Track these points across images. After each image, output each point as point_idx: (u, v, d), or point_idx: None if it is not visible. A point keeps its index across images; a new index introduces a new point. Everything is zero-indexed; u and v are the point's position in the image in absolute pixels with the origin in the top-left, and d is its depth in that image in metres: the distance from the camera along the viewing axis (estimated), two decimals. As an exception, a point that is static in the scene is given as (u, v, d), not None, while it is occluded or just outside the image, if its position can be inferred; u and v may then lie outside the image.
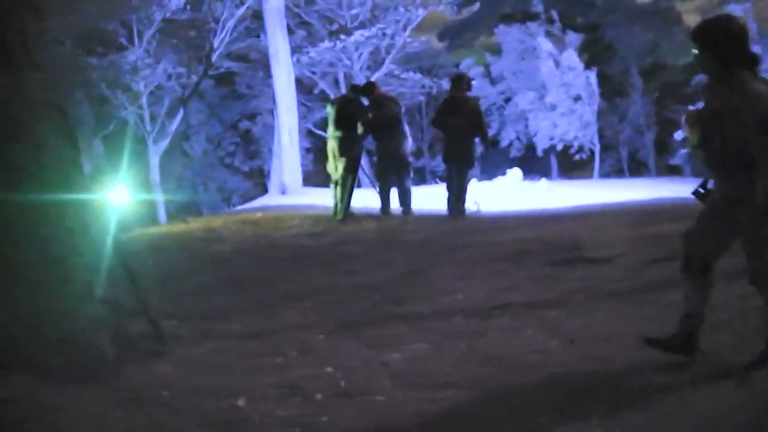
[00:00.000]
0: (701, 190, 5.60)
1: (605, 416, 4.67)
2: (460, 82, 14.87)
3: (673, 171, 38.35)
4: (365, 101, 14.79)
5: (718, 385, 4.96)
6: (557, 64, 36.96)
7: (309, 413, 5.04)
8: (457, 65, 41.10)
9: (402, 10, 32.57)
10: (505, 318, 6.94)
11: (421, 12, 33.42)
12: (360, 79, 24.34)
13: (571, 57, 37.75)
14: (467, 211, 14.61)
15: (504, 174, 25.66)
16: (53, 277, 5.46)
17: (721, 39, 5.22)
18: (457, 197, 14.37)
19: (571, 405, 4.86)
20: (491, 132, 36.48)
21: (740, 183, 5.08)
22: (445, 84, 25.36)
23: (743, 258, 5.27)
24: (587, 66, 38.53)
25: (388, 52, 33.17)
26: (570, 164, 40.25)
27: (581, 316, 6.74)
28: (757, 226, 5.08)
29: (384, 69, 32.81)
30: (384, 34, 32.24)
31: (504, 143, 39.68)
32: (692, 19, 42.31)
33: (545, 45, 37.50)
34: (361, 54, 32.03)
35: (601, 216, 13.05)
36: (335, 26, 33.33)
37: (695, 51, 5.35)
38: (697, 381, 5.07)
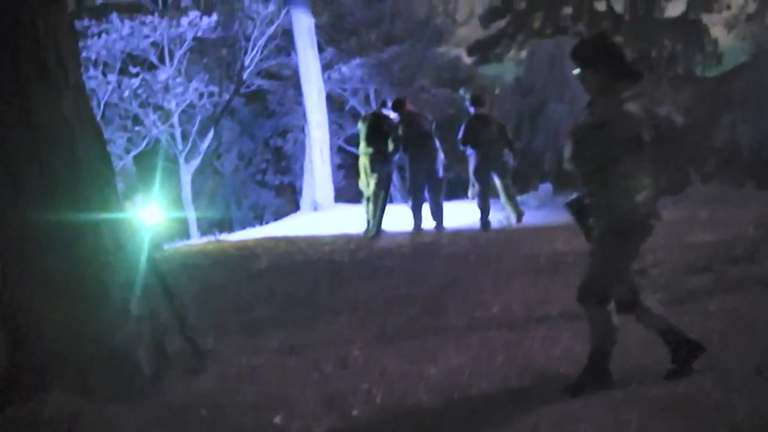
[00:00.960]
0: (574, 204, 5.59)
1: (643, 427, 4.65)
2: (482, 99, 14.98)
3: (705, 179, 38.10)
4: (396, 117, 14.80)
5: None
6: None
7: (346, 429, 5.04)
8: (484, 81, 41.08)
9: (432, 25, 32.65)
10: (541, 330, 6.91)
11: (451, 27, 33.48)
12: (391, 96, 24.40)
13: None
14: (501, 224, 14.65)
15: (536, 189, 25.55)
16: (90, 295, 5.49)
17: (600, 57, 5.33)
18: (509, 199, 14.60)
19: (609, 415, 4.84)
20: (523, 144, 36.45)
21: (606, 198, 5.22)
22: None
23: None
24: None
25: (418, 68, 33.21)
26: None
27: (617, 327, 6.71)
28: (597, 243, 5.26)
29: (415, 84, 32.84)
30: (415, 50, 32.32)
31: (536, 156, 39.56)
32: (719, 32, 42.12)
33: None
34: (392, 70, 32.08)
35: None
36: (366, 42, 33.43)
37: (577, 70, 5.43)
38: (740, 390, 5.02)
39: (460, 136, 14.61)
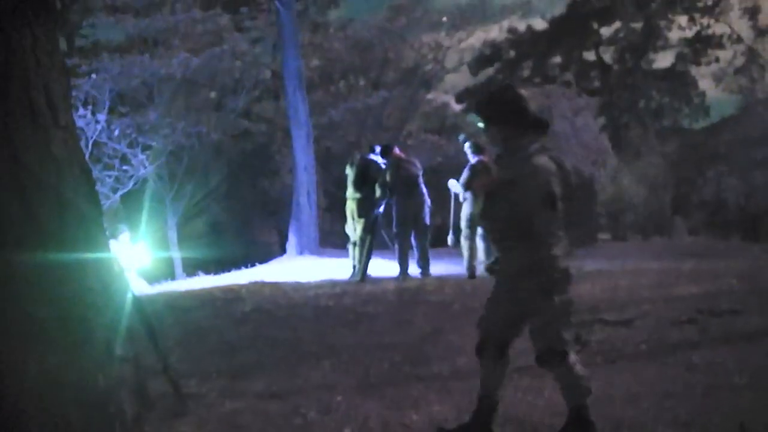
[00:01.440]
0: (494, 266, 5.59)
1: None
2: (484, 147, 15.07)
3: (692, 232, 38.30)
4: (384, 163, 14.85)
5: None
6: (573, 125, 37.06)
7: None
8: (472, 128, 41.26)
9: (421, 72, 32.83)
10: (524, 379, 6.90)
11: (440, 74, 33.67)
12: (379, 140, 24.47)
13: (587, 119, 37.87)
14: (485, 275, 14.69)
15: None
16: (74, 336, 5.46)
17: (504, 111, 5.28)
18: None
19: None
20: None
21: (521, 255, 5.13)
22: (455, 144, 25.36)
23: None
24: (603, 128, 38.65)
25: (407, 113, 33.36)
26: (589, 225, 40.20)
27: (602, 378, 6.70)
28: (537, 301, 5.13)
29: (403, 130, 32.99)
30: (403, 96, 32.48)
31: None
32: (707, 84, 42.50)
33: (561, 106, 37.62)
34: (381, 115, 32.21)
35: (618, 277, 13.01)
36: (355, 87, 33.59)
37: (481, 125, 5.41)
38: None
39: (464, 181, 14.63)
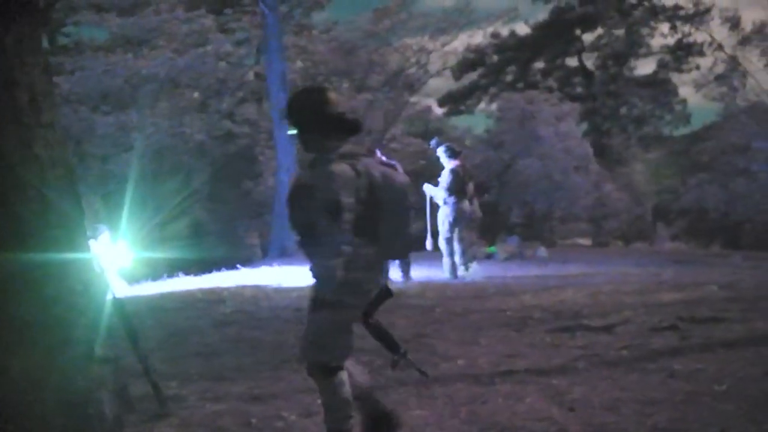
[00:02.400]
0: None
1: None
2: (458, 151, 15.26)
3: (674, 239, 38.45)
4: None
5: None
6: (556, 131, 37.17)
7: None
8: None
9: (405, 75, 32.86)
10: (506, 385, 6.90)
11: (424, 78, 33.70)
12: (362, 144, 24.35)
13: (570, 125, 38.01)
14: (466, 278, 14.72)
15: (504, 242, 25.65)
16: (55, 337, 5.43)
17: (309, 116, 5.10)
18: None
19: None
20: (491, 197, 36.68)
21: (311, 263, 4.99)
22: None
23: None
24: (585, 134, 38.79)
25: (390, 117, 33.38)
26: (570, 231, 40.30)
27: (583, 384, 6.71)
28: (309, 310, 5.00)
29: (387, 134, 32.99)
30: (387, 99, 32.49)
31: (503, 209, 39.78)
32: (688, 92, 42.79)
33: (545, 112, 37.74)
34: (365, 118, 32.21)
35: (600, 284, 13.05)
36: (339, 90, 33.57)
37: (292, 130, 5.24)
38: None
39: (448, 185, 14.72)
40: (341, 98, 5.30)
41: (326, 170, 4.88)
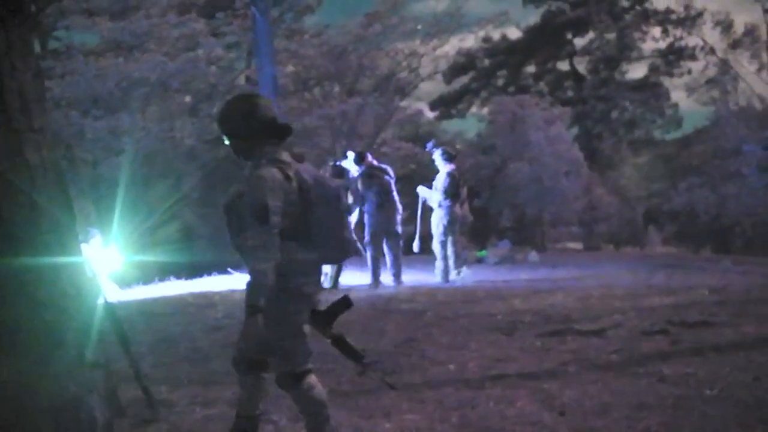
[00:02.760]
0: None
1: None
2: (454, 155, 15.29)
3: (664, 243, 38.52)
4: (360, 169, 14.84)
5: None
6: (547, 135, 37.20)
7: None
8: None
9: (396, 79, 32.87)
10: (496, 389, 6.91)
11: (415, 82, 33.73)
12: (353, 147, 24.42)
13: (560, 129, 38.05)
14: (456, 282, 14.73)
15: (495, 245, 25.70)
16: (46, 341, 5.43)
17: (240, 123, 5.13)
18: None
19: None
20: (482, 201, 36.73)
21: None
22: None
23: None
24: (576, 138, 38.84)
25: (381, 121, 33.39)
26: (561, 235, 40.35)
27: (573, 388, 6.73)
28: (246, 315, 4.96)
29: (377, 138, 33.01)
30: (378, 103, 32.50)
31: (494, 213, 39.82)
32: (680, 96, 42.94)
33: (536, 116, 37.77)
34: (355, 122, 32.21)
35: (591, 288, 13.07)
36: (330, 93, 33.59)
37: (225, 139, 5.28)
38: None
39: (445, 188, 14.76)
40: (270, 104, 5.36)
41: (255, 175, 4.93)
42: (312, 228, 5.03)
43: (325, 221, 5.02)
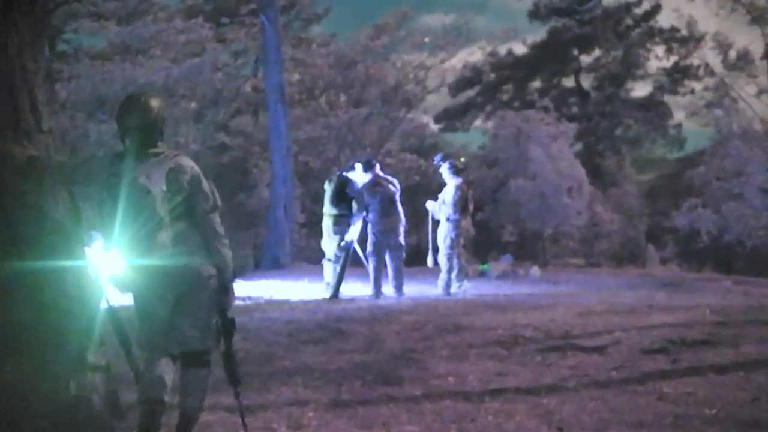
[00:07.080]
0: None
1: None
2: (461, 168, 15.28)
3: (666, 262, 38.50)
4: (370, 177, 14.83)
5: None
6: (550, 151, 37.18)
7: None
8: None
9: (402, 91, 32.91)
10: (495, 403, 6.91)
11: (421, 94, 33.77)
12: (358, 158, 24.47)
13: (564, 145, 38.04)
14: (458, 295, 14.71)
15: (496, 260, 25.68)
16: (48, 342, 5.44)
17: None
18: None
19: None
20: (485, 216, 36.71)
21: None
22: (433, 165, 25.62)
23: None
24: (579, 154, 38.82)
25: (386, 132, 33.42)
26: (562, 250, 40.33)
27: (572, 404, 6.73)
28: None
29: (382, 149, 33.03)
30: (383, 114, 32.54)
31: (496, 227, 39.76)
32: (683, 116, 42.80)
33: (540, 132, 37.75)
34: (361, 132, 32.25)
35: (592, 304, 13.05)
36: (336, 103, 33.63)
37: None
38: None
39: (454, 202, 14.72)
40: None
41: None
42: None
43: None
